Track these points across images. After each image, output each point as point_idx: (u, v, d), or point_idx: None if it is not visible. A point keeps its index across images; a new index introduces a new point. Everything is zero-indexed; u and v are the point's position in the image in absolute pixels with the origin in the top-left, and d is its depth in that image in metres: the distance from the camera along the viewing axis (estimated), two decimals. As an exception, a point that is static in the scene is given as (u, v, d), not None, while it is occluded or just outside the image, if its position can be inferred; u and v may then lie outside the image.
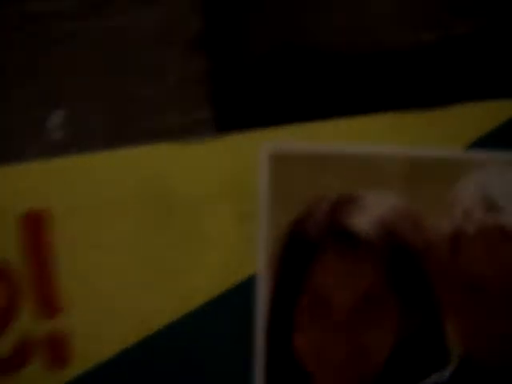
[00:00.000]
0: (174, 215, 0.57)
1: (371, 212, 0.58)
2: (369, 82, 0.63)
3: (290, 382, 0.59)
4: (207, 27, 0.58)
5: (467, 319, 0.58)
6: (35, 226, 0.57)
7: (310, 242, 0.57)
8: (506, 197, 0.58)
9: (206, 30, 0.59)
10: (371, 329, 0.58)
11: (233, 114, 0.60)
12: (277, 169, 0.58)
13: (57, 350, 0.56)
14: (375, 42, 0.62)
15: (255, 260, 0.57)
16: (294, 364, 0.58)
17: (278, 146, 0.58)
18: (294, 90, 0.62)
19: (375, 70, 0.63)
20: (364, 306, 0.58)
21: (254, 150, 0.58)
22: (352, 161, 0.59)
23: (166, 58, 0.59)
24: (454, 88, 0.63)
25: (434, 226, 0.59)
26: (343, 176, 0.58)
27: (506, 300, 0.57)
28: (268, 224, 0.57)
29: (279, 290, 0.58)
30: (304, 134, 0.59)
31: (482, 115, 0.60)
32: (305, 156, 0.58)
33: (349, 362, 0.57)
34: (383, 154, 0.59)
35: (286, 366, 0.59)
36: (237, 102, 0.61)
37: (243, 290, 0.57)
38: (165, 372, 0.57)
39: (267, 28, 0.60)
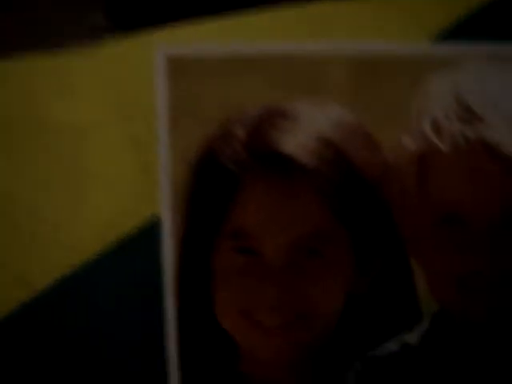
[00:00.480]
0: (46, 144, 0.46)
1: (307, 128, 0.46)
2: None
3: (212, 352, 0.48)
4: None
5: (441, 262, 0.47)
6: None
7: (228, 172, 0.46)
8: (486, 103, 0.46)
9: None
10: (315, 279, 0.46)
11: (126, 18, 0.49)
12: (177, 77, 0.46)
13: None
14: None
15: (156, 198, 0.46)
16: (217, 328, 0.47)
17: (176, 48, 0.46)
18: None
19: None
20: (305, 250, 0.46)
21: (147, 56, 0.46)
22: (277, 63, 0.48)
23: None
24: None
25: (393, 143, 0.47)
26: (267, 84, 0.48)
27: (490, 235, 0.46)
28: (171, 149, 0.46)
29: (190, 234, 0.47)
30: (210, 33, 0.47)
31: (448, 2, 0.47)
32: (214, 59, 0.47)
33: (287, 325, 0.46)
34: (319, 52, 0.48)
35: (205, 332, 0.48)
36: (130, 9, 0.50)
37: (145, 237, 0.47)
38: (64, 328, 0.48)
39: None
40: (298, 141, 0.47)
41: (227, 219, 0.47)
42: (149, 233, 0.46)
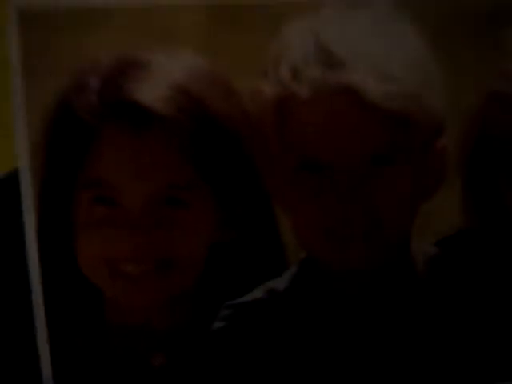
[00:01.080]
0: None
1: (162, 78, 0.47)
2: None
3: (76, 301, 0.49)
4: None
5: (306, 211, 0.48)
6: None
7: (82, 123, 0.46)
8: (347, 48, 0.47)
9: None
10: (178, 230, 0.48)
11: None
12: (30, 30, 0.46)
13: None
14: None
15: (16, 151, 0.46)
16: (80, 278, 0.48)
17: (29, 0, 0.46)
18: None
19: None
20: (164, 203, 0.47)
21: (1, 9, 0.46)
22: (131, 15, 0.48)
23: None
24: None
25: (251, 91, 0.48)
26: (119, 33, 0.48)
27: (354, 182, 0.47)
28: (25, 103, 0.45)
29: (49, 185, 0.48)
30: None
31: None
32: (69, 11, 0.47)
33: (148, 274, 0.48)
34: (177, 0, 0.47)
35: (70, 282, 0.49)
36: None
37: (5, 189, 0.47)
38: None
39: None
40: (152, 90, 0.48)
41: (84, 170, 0.48)
42: (10, 186, 0.47)
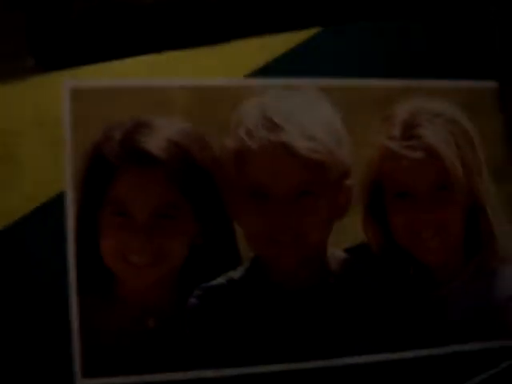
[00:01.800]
0: None
1: (161, 134, 0.67)
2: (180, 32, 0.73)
3: (99, 283, 0.68)
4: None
5: (253, 224, 0.67)
6: None
7: (108, 162, 0.66)
8: (285, 117, 0.66)
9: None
10: (169, 235, 0.67)
11: (54, 63, 0.71)
12: (77, 102, 0.67)
13: None
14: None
15: (63, 179, 0.67)
16: (102, 267, 0.68)
17: (77, 82, 0.68)
18: (110, 41, 0.72)
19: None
20: (161, 215, 0.67)
21: (58, 87, 0.67)
22: (143, 93, 0.68)
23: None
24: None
25: (220, 144, 0.68)
26: (135, 106, 0.68)
27: (287, 205, 0.66)
28: (73, 148, 0.66)
29: (84, 204, 0.67)
30: (104, 72, 0.69)
31: (259, 49, 0.69)
32: (101, 89, 0.68)
33: (148, 266, 0.67)
34: (170, 85, 0.69)
35: (94, 270, 0.68)
36: (56, 52, 0.72)
37: (56, 205, 0.66)
38: None
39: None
40: (154, 142, 0.67)
41: (108, 193, 0.68)
42: (59, 203, 0.66)
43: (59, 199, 0.66)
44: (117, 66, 0.68)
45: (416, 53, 0.72)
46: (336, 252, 0.70)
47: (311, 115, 0.67)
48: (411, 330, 0.70)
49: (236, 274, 0.69)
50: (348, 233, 0.70)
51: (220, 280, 0.69)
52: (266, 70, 0.69)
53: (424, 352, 0.69)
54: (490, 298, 0.72)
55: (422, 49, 0.72)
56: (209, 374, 0.67)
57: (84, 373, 0.66)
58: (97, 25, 0.71)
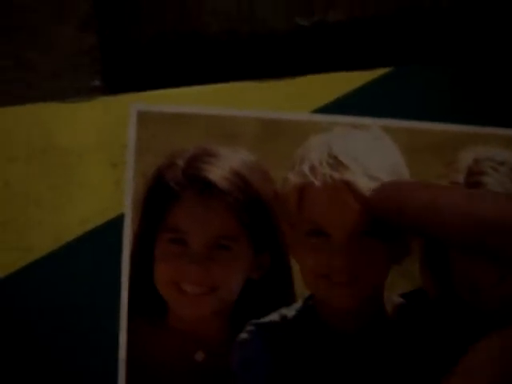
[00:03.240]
0: (56, 164, 0.66)
1: (225, 164, 0.66)
2: (247, 64, 0.73)
3: (150, 310, 0.67)
4: (96, 9, 0.69)
5: (310, 262, 0.65)
6: None
7: (170, 188, 0.65)
8: (349, 156, 0.66)
9: (96, 12, 0.69)
10: (225, 266, 0.66)
11: (121, 85, 0.71)
12: (143, 125, 0.66)
13: None
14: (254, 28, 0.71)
15: (124, 202, 0.66)
16: (154, 294, 0.67)
17: (145, 106, 0.68)
18: (175, 70, 0.72)
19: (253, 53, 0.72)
20: (219, 245, 0.66)
21: (125, 109, 0.67)
22: (209, 121, 0.68)
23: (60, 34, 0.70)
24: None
25: (283, 178, 0.66)
26: (201, 134, 0.67)
27: (345, 243, 0.64)
28: (135, 172, 0.66)
29: (142, 228, 0.66)
30: (170, 98, 0.69)
31: (326, 85, 0.69)
32: (168, 115, 0.67)
33: (202, 297, 0.66)
34: (237, 116, 0.68)
35: (147, 296, 0.67)
36: (125, 76, 0.72)
37: (113, 228, 0.65)
38: (38, 304, 0.65)
39: (155, 13, 0.70)
40: (218, 172, 0.66)
41: (166, 219, 0.67)
42: (116, 226, 0.65)
43: (117, 222, 0.66)
44: (184, 92, 0.67)
45: (482, 99, 0.72)
46: (392, 296, 0.68)
47: (376, 156, 0.67)
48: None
49: (289, 312, 0.68)
50: (406, 278, 0.69)
51: (273, 317, 0.67)
52: (332, 107, 0.68)
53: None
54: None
55: (488, 95, 0.72)
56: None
57: (129, 401, 0.65)
58: (166, 51, 0.71)
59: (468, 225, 0.55)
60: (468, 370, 0.52)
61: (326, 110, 0.69)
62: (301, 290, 0.68)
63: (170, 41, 0.70)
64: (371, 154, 0.68)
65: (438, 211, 0.57)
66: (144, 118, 0.67)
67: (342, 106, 0.69)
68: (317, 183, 0.66)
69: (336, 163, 0.66)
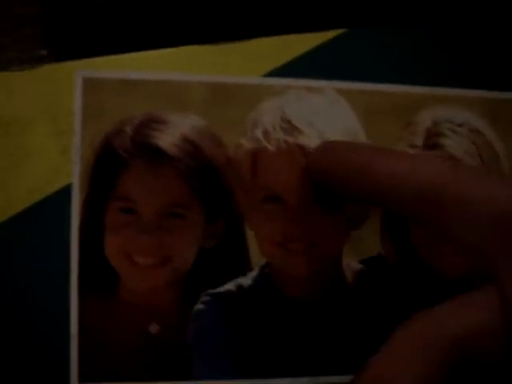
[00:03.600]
0: (1, 134, 0.63)
1: (174, 131, 0.64)
2: (197, 29, 0.71)
3: (101, 283, 0.65)
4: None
5: (266, 229, 0.64)
6: None
7: (118, 156, 0.63)
8: (303, 120, 0.64)
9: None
10: (178, 235, 0.64)
11: (68, 54, 0.69)
12: (90, 92, 0.64)
13: None
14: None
15: (71, 171, 0.64)
16: (105, 266, 0.65)
17: (91, 73, 0.66)
18: (125, 36, 0.70)
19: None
20: (170, 214, 0.64)
21: (71, 77, 0.65)
22: (157, 87, 0.65)
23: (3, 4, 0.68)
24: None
25: (235, 144, 0.65)
26: (149, 100, 0.65)
27: (302, 209, 0.63)
28: (82, 140, 0.63)
29: (90, 197, 0.64)
30: (118, 64, 0.67)
31: (278, 48, 0.67)
32: (115, 81, 0.65)
33: (154, 265, 0.64)
34: (187, 81, 0.66)
35: (98, 268, 0.64)
36: (72, 44, 0.70)
37: (61, 198, 0.63)
38: None
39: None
40: (167, 138, 0.65)
41: (116, 188, 0.65)
42: (65, 196, 0.63)
43: (65, 192, 0.63)
44: (132, 58, 0.65)
45: (441, 61, 0.70)
46: (352, 263, 0.67)
47: (331, 119, 0.65)
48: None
49: (245, 281, 0.66)
50: (364, 244, 0.67)
51: (228, 287, 0.66)
52: (285, 70, 0.66)
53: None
54: None
55: (447, 57, 0.70)
56: (211, 385, 0.63)
57: (80, 378, 0.63)
58: (114, 17, 0.69)
59: (404, 190, 0.52)
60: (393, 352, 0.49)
61: (278, 73, 0.67)
62: (257, 258, 0.67)
63: (118, 6, 0.68)
64: (326, 118, 0.66)
65: (372, 175, 0.53)
66: (90, 84, 0.64)
67: (294, 68, 0.67)
68: (270, 148, 0.64)
69: (290, 127, 0.65)
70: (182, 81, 0.66)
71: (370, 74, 0.69)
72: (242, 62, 0.67)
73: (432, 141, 0.68)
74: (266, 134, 0.64)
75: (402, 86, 0.70)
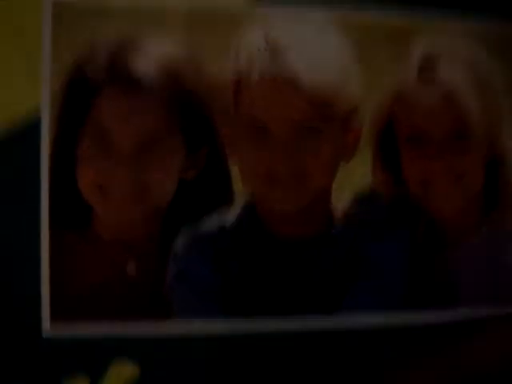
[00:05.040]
0: None
1: (152, 57, 0.60)
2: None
3: (74, 219, 0.61)
4: None
5: (250, 160, 0.61)
6: None
7: (91, 82, 0.59)
8: (288, 46, 0.60)
9: None
10: (155, 166, 0.60)
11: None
12: (60, 15, 0.60)
13: None
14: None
15: (39, 96, 0.59)
16: (78, 200, 0.60)
17: None
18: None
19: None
20: (148, 144, 0.60)
21: (40, 1, 0.60)
22: (133, 11, 0.61)
23: None
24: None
25: (217, 71, 0.61)
26: (124, 24, 0.60)
27: (288, 141, 0.60)
28: (51, 63, 0.59)
29: (61, 124, 0.60)
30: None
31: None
32: (87, 6, 0.60)
33: (131, 198, 0.60)
34: (165, 5, 0.62)
35: (70, 203, 0.61)
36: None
37: (28, 124, 0.59)
38: None
39: None
40: (143, 64, 0.60)
41: (89, 117, 0.61)
42: (32, 123, 0.59)
43: (34, 122, 0.59)
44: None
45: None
46: (342, 199, 0.64)
47: (319, 47, 0.62)
48: (417, 290, 0.64)
49: (227, 220, 0.63)
50: (356, 178, 0.64)
51: (210, 224, 0.62)
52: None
53: (431, 317, 0.63)
54: (504, 262, 0.66)
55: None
56: (195, 326, 0.60)
57: (52, 315, 0.59)
58: None
59: None
60: None
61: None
62: (240, 194, 0.63)
63: None
64: (314, 45, 0.62)
65: None
66: (60, 7, 0.59)
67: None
68: (255, 76, 0.60)
69: (275, 55, 0.61)
70: (159, 6, 0.61)
71: (363, 1, 0.65)
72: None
73: (426, 75, 0.65)
74: (250, 59, 0.60)
75: (396, 13, 0.65)
